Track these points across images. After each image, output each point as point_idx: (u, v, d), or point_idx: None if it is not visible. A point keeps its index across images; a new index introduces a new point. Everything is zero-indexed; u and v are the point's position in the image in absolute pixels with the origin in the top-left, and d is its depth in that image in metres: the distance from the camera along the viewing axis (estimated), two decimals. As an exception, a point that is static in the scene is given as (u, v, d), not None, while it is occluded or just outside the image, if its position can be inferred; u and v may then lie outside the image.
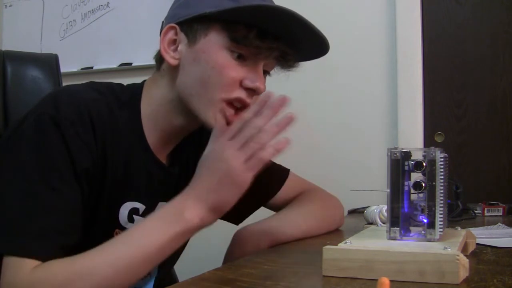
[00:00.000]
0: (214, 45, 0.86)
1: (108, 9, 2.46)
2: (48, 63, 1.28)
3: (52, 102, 0.83)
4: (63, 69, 2.56)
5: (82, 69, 2.47)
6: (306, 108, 2.01)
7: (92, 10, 2.49)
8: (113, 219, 0.88)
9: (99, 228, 0.86)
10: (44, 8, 2.59)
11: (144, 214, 0.92)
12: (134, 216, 0.91)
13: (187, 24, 0.88)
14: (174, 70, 0.89)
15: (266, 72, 0.92)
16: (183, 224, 0.78)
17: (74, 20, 2.53)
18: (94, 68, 2.46)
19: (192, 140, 0.99)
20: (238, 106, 0.87)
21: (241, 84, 0.86)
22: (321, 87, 2.02)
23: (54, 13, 2.56)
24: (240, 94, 0.86)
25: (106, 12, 2.46)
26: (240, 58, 0.86)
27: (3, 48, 1.26)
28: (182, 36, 0.88)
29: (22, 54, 1.29)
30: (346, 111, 2.00)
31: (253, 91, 0.87)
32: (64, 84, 1.29)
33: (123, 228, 0.89)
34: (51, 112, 0.80)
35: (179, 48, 0.89)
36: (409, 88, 1.91)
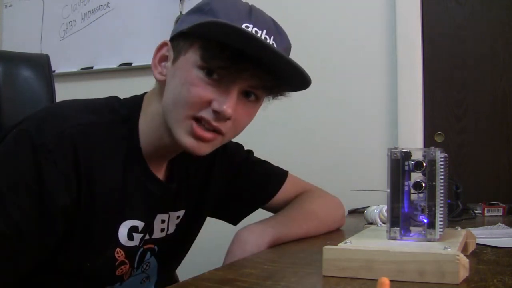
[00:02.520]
0: (188, 63, 0.84)
1: (108, 9, 2.46)
2: (40, 63, 1.27)
3: (38, 121, 0.81)
4: (63, 69, 2.58)
5: (82, 69, 2.48)
6: (306, 108, 2.01)
7: (92, 10, 2.49)
8: (112, 238, 0.87)
9: (99, 248, 0.86)
10: (44, 8, 2.59)
11: (143, 230, 0.92)
12: (133, 233, 0.90)
13: (176, 41, 0.88)
14: (163, 85, 0.89)
15: (250, 93, 0.87)
16: None
17: (74, 20, 2.53)
18: (94, 68, 2.46)
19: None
20: (206, 126, 0.84)
21: (210, 105, 0.83)
22: (321, 87, 2.02)
23: (54, 13, 2.56)
24: (206, 114, 0.83)
25: (106, 12, 2.46)
26: (213, 78, 0.83)
27: (3, 48, 1.26)
28: (171, 52, 0.88)
29: (13, 54, 1.28)
30: (346, 111, 2.00)
31: (221, 115, 0.83)
32: (57, 85, 1.28)
33: (123, 247, 0.89)
34: (32, 132, 0.79)
35: (166, 65, 0.88)
36: (409, 88, 1.91)
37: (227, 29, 0.78)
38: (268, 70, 0.83)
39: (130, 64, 2.36)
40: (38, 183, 0.76)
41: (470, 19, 1.91)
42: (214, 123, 0.83)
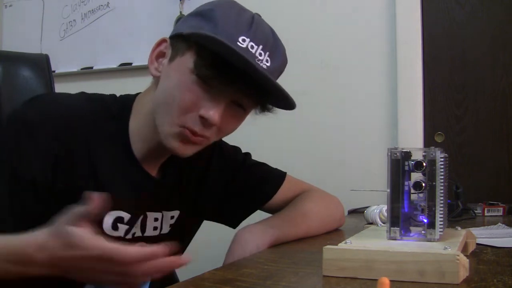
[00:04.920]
0: (184, 66, 0.85)
1: (108, 9, 2.46)
2: (39, 63, 1.28)
3: (28, 103, 0.85)
4: (63, 69, 2.57)
5: (82, 69, 2.47)
6: (306, 109, 2.01)
7: (92, 10, 2.49)
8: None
9: None
10: (44, 8, 2.59)
11: (129, 222, 0.93)
12: (118, 224, 0.91)
13: (175, 41, 0.89)
14: (158, 82, 0.90)
15: (239, 104, 0.89)
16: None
17: (74, 20, 2.53)
18: (94, 68, 2.45)
19: None
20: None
21: (198, 110, 0.85)
22: (321, 87, 2.02)
23: (54, 13, 2.56)
24: (193, 124, 0.85)
25: (106, 12, 2.46)
26: (206, 85, 0.84)
27: (3, 48, 1.26)
28: (169, 50, 0.89)
29: (13, 54, 1.29)
30: (346, 111, 2.00)
31: (207, 121, 0.85)
32: (57, 85, 1.29)
33: (107, 236, 0.88)
34: (20, 111, 0.84)
35: (163, 61, 0.90)
36: (409, 88, 1.91)
37: (221, 47, 0.80)
38: (257, 86, 0.85)
39: (130, 64, 2.36)
40: (13, 155, 0.80)
41: (470, 19, 1.91)
42: (200, 132, 0.86)
